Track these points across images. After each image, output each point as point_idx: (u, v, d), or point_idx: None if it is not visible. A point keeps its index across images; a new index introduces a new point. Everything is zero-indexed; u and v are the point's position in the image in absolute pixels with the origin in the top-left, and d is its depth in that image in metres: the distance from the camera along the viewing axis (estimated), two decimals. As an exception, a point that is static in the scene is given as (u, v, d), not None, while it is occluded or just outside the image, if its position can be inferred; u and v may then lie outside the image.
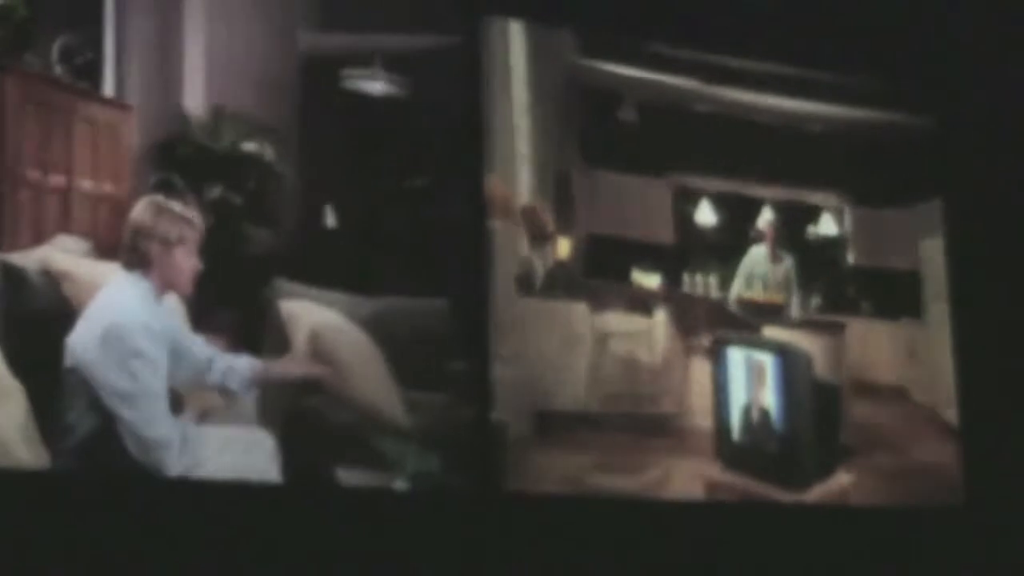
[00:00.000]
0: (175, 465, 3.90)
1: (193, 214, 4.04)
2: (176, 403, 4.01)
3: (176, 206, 4.03)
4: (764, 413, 4.88)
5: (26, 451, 3.75)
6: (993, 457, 5.13)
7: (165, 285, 3.98)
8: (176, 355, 3.99)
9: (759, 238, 5.27)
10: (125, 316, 3.86)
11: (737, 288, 5.21)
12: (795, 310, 5.26)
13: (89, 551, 3.78)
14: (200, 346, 4.13)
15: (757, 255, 5.28)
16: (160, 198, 4.06)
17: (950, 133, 5.36)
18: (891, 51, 5.22)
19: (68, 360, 3.82)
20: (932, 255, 5.32)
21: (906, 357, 5.29)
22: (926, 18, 5.21)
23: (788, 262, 5.28)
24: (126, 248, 3.96)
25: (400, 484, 4.35)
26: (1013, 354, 5.20)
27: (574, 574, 4.42)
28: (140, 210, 3.99)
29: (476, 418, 4.50)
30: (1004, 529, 4.99)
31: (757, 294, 5.23)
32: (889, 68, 5.27)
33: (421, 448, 4.40)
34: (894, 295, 5.34)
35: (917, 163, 5.39)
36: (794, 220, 5.29)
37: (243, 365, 4.18)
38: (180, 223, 3.98)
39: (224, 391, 4.17)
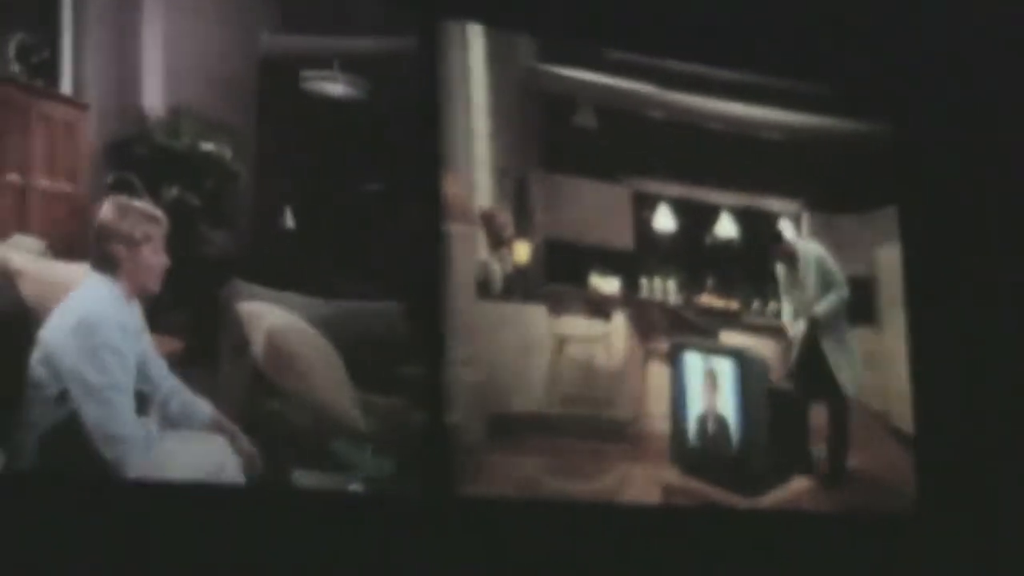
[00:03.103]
0: (137, 464, 3.90)
1: (157, 211, 4.08)
2: (142, 405, 4.00)
3: (140, 204, 4.08)
4: (720, 418, 4.90)
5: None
6: (947, 466, 5.16)
7: (135, 286, 4.01)
8: (141, 368, 4.00)
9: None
10: (97, 311, 3.90)
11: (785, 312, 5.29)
12: (822, 306, 5.28)
13: (44, 553, 3.75)
14: (163, 371, 4.13)
15: (780, 271, 5.33)
16: (123, 198, 4.09)
17: (905, 140, 5.40)
18: (847, 59, 5.26)
19: (37, 353, 3.83)
20: (888, 262, 5.35)
21: (861, 363, 5.31)
22: (881, 25, 5.25)
23: (811, 253, 5.30)
24: (93, 250, 3.99)
25: (355, 487, 4.34)
26: (968, 362, 5.23)
27: (529, 579, 4.43)
28: (104, 211, 4.02)
29: (431, 421, 4.50)
30: (955, 539, 5.01)
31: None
32: (845, 75, 5.31)
33: (376, 451, 4.40)
34: (849, 301, 5.36)
35: (873, 170, 5.43)
36: (752, 226, 5.30)
37: (202, 412, 4.17)
38: (144, 221, 4.02)
39: (173, 425, 4.13)
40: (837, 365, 5.24)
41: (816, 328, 5.23)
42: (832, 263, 5.29)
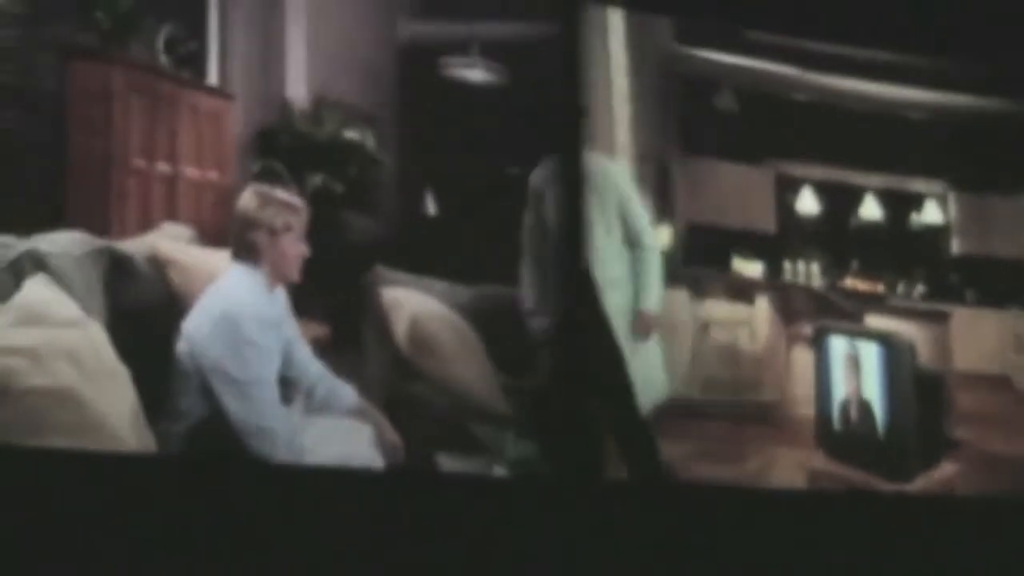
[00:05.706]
0: (282, 456, 3.92)
1: (297, 200, 4.05)
2: (287, 393, 4.05)
3: (280, 193, 4.04)
4: (867, 402, 4.83)
5: (133, 436, 3.76)
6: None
7: (275, 274, 3.99)
8: (286, 355, 4.03)
9: None
10: (238, 305, 3.89)
11: None
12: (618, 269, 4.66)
13: (194, 535, 3.81)
14: (308, 357, 4.16)
15: None
16: (264, 187, 4.07)
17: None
18: (992, 36, 5.15)
19: (183, 345, 3.86)
20: (1038, 242, 5.26)
21: (1012, 346, 5.21)
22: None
23: (609, 178, 4.60)
24: (234, 239, 3.99)
25: (499, 471, 4.35)
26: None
27: (673, 564, 4.39)
28: (245, 200, 3.99)
29: (575, 406, 4.49)
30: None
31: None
32: (990, 53, 5.20)
33: (520, 435, 4.40)
34: (999, 283, 5.26)
35: (1021, 149, 5.32)
36: (897, 208, 5.23)
37: (347, 398, 4.20)
38: (285, 210, 3.99)
39: (317, 410, 4.18)
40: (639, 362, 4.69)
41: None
42: (636, 199, 4.70)
